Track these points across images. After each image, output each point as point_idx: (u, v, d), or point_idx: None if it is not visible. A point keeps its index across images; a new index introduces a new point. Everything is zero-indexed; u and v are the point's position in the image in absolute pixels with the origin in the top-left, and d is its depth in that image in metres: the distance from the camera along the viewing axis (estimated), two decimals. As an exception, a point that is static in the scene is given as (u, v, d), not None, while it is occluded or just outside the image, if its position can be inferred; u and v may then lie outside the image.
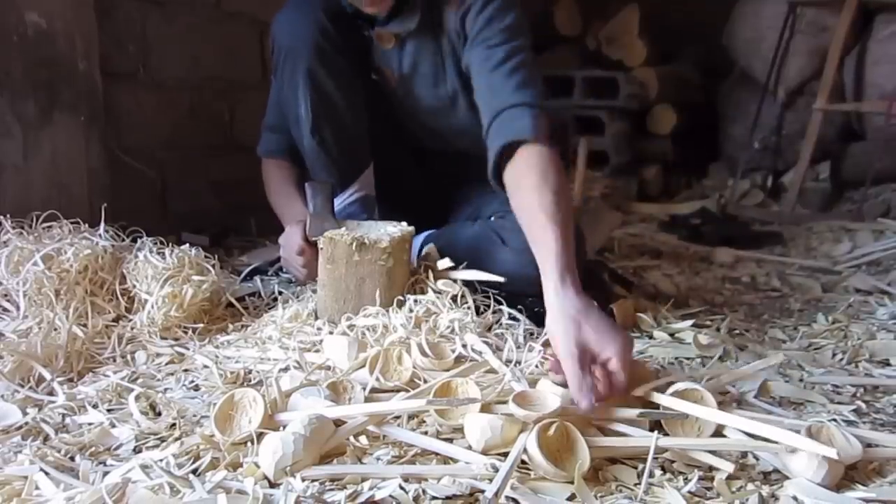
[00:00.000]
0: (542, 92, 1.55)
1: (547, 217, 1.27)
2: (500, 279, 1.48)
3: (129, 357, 1.36)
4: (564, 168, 1.47)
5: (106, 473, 0.93)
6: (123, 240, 1.59)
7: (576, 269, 1.22)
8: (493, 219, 1.66)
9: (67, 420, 1.11)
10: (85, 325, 1.40)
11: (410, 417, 1.08)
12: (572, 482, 0.91)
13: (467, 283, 1.50)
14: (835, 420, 1.14)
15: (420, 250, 1.61)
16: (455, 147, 1.80)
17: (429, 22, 1.66)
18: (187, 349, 1.40)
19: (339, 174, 1.68)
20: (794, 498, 0.91)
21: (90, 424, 1.09)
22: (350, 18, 1.66)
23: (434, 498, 0.88)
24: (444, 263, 1.52)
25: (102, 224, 1.57)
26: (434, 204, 1.82)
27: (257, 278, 1.78)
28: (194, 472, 0.93)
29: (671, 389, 1.09)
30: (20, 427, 1.07)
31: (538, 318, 1.49)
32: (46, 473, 0.92)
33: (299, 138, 1.71)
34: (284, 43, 1.64)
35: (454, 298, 1.45)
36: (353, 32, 1.68)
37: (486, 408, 1.06)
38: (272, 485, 0.90)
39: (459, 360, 1.27)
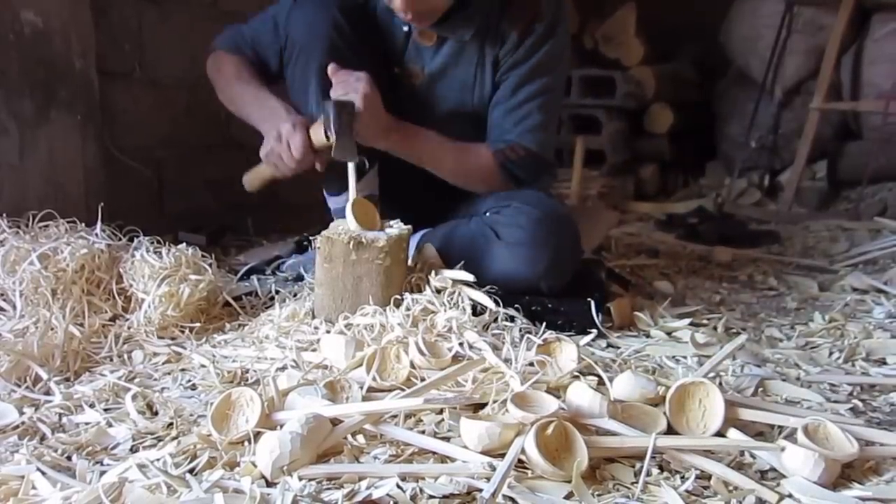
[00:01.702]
0: (545, 140, 1.73)
1: (446, 143, 1.68)
2: (470, 278, 1.47)
3: (125, 356, 1.36)
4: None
5: (103, 473, 0.93)
6: (120, 239, 1.59)
7: (406, 144, 1.65)
8: (487, 214, 1.66)
9: (64, 419, 1.11)
10: (82, 325, 1.39)
11: (407, 416, 1.08)
12: (570, 481, 0.91)
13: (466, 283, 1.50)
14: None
15: (417, 247, 1.61)
16: None
17: (481, 32, 1.68)
18: (184, 348, 1.40)
19: (343, 171, 1.68)
20: (791, 496, 0.91)
21: (87, 424, 1.09)
22: (371, 12, 1.67)
23: (431, 497, 0.88)
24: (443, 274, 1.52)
25: (99, 223, 1.57)
26: (433, 203, 1.82)
27: (254, 277, 1.77)
28: (191, 471, 0.93)
29: (675, 384, 1.09)
30: (17, 427, 1.07)
31: (535, 316, 1.50)
32: (43, 473, 0.92)
33: None
34: (298, 38, 1.64)
35: (451, 297, 1.46)
36: (373, 27, 1.69)
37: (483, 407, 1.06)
38: (269, 484, 0.90)
39: (456, 358, 1.27)
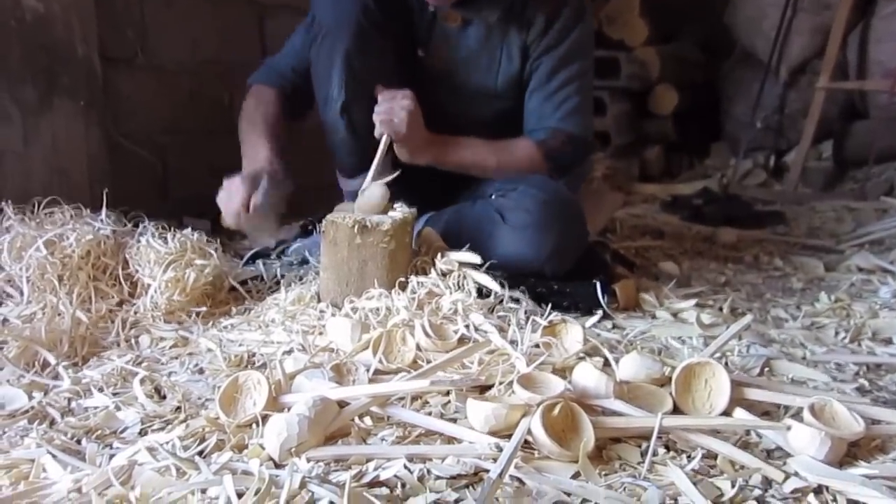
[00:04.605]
0: (585, 123, 1.76)
1: (487, 145, 1.70)
2: (477, 260, 1.47)
3: (133, 341, 1.37)
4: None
5: (112, 456, 0.94)
6: (125, 225, 1.59)
7: (447, 156, 1.68)
8: (493, 197, 1.66)
9: (73, 404, 1.12)
10: (89, 310, 1.40)
11: (414, 398, 1.09)
12: (576, 461, 0.91)
13: (472, 265, 1.49)
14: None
15: (422, 230, 1.61)
16: (473, 134, 1.79)
17: (506, 15, 1.68)
18: (191, 333, 1.41)
19: (360, 155, 1.68)
20: (797, 475, 0.91)
21: (96, 408, 1.10)
22: None
23: (439, 477, 0.88)
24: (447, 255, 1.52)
25: (104, 209, 1.57)
26: (440, 186, 1.82)
27: (260, 262, 1.77)
28: (200, 453, 0.93)
29: (681, 365, 1.09)
30: (26, 411, 1.08)
31: (540, 298, 1.50)
32: (53, 456, 0.93)
33: (324, 115, 1.71)
34: (325, 20, 1.64)
35: (456, 280, 1.46)
36: (402, 9, 1.69)
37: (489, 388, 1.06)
38: (277, 466, 0.91)
39: (462, 340, 1.27)
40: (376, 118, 1.57)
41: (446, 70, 1.75)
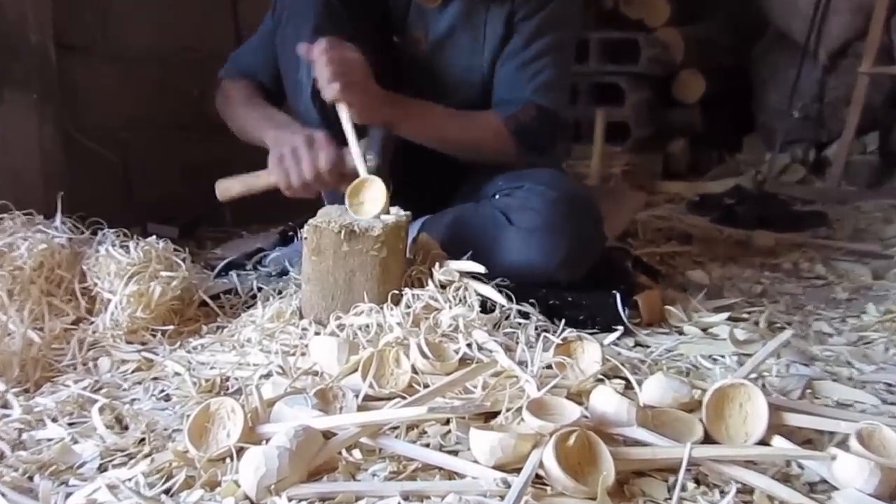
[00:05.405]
0: (560, 99, 1.77)
1: (450, 114, 1.68)
2: (480, 269, 1.46)
3: (91, 364, 1.37)
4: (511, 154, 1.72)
5: (69, 495, 0.93)
6: (83, 232, 1.60)
7: (403, 118, 1.61)
8: (497, 197, 1.67)
9: (24, 436, 1.11)
10: (41, 329, 1.40)
11: (410, 428, 1.08)
12: (594, 498, 0.90)
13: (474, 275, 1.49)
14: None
15: (416, 236, 1.61)
16: None
17: None
18: (156, 354, 1.40)
19: (338, 145, 1.69)
20: (845, 511, 0.91)
21: (49, 440, 1.09)
22: None
23: (438, 517, 0.88)
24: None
25: (59, 215, 1.58)
26: (436, 185, 1.82)
27: (233, 273, 1.78)
28: (167, 492, 0.93)
29: (713, 387, 1.09)
30: (-29, 445, 1.08)
31: (553, 312, 1.50)
32: (3, 495, 0.92)
33: (295, 104, 1.71)
34: (289, 1, 1.66)
35: (457, 292, 1.45)
36: None
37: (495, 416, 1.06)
38: (254, 506, 0.91)
39: (464, 361, 1.27)
40: (320, 81, 1.50)
41: (426, 55, 1.76)
